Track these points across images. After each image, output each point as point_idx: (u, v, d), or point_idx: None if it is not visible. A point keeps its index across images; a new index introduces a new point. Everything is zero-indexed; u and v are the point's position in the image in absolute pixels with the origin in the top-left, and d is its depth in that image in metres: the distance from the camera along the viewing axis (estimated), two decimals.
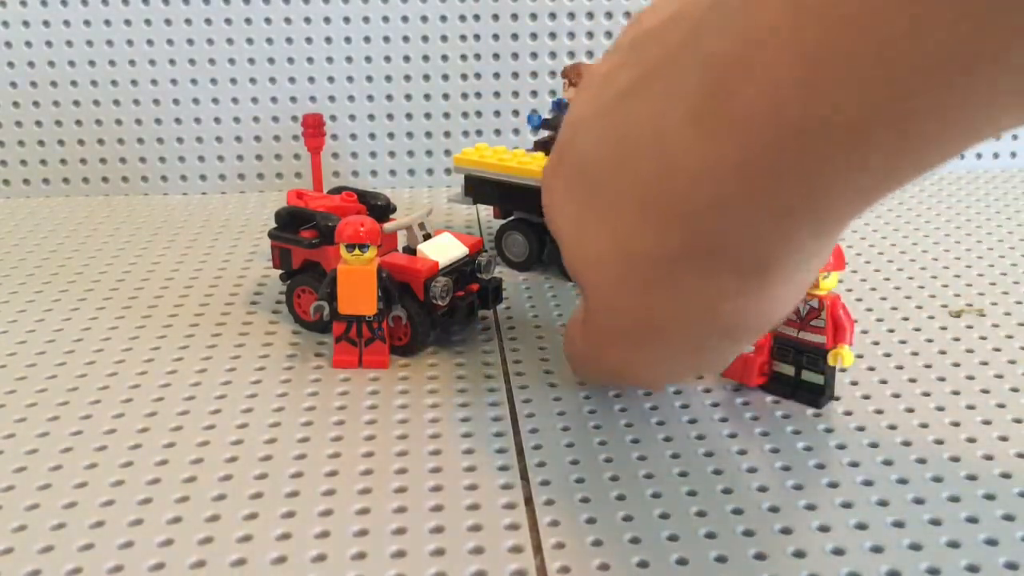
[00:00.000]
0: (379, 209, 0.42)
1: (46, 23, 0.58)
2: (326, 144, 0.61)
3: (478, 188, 0.47)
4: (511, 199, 0.47)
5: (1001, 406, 0.34)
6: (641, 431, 0.33)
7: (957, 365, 0.37)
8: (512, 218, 0.48)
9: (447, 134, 0.61)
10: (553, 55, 0.60)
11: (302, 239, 0.39)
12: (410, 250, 0.39)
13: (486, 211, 0.57)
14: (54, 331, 0.41)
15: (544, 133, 0.48)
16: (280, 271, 0.42)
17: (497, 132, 0.61)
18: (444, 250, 0.39)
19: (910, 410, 0.34)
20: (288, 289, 0.41)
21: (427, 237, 0.39)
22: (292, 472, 0.31)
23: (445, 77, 0.60)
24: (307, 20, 0.59)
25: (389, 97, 0.61)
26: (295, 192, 0.42)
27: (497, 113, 0.61)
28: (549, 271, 0.47)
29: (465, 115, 0.61)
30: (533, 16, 0.60)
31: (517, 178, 0.46)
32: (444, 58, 0.60)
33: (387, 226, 0.38)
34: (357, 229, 0.36)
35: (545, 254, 0.47)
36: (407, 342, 0.38)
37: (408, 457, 0.31)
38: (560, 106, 0.48)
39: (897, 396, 0.35)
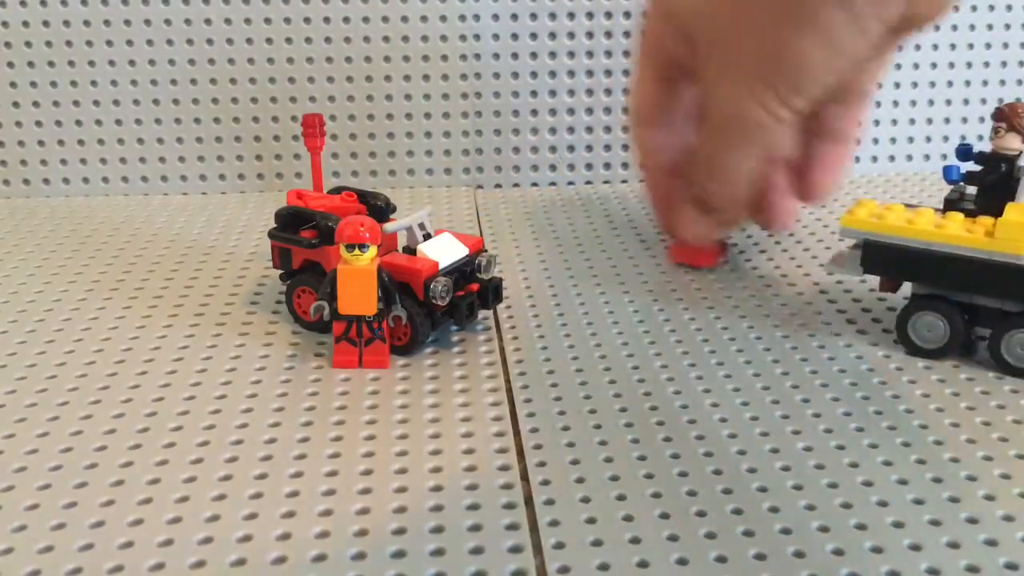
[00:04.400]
0: (379, 209, 0.42)
1: (46, 23, 0.57)
2: (326, 144, 0.61)
3: (878, 256, 0.38)
4: (928, 271, 0.38)
5: (1001, 407, 0.34)
6: (641, 431, 0.33)
7: (956, 366, 0.37)
8: (922, 295, 0.38)
9: (447, 134, 0.61)
10: (553, 55, 0.60)
11: (302, 239, 0.39)
12: (410, 250, 0.39)
13: (489, 212, 0.57)
14: (54, 331, 0.41)
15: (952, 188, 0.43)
16: (280, 271, 0.42)
17: (497, 132, 0.61)
18: (444, 250, 0.39)
19: (909, 411, 0.34)
20: (288, 289, 0.41)
21: (427, 237, 0.39)
22: (292, 472, 0.31)
23: (445, 77, 0.60)
24: (307, 20, 0.59)
25: (389, 97, 0.61)
26: (295, 192, 0.42)
27: (497, 113, 0.61)
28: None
29: (465, 115, 0.61)
30: (533, 16, 0.60)
31: (939, 246, 0.37)
32: (444, 58, 0.60)
33: (387, 226, 0.38)
34: (357, 229, 0.36)
35: (973, 341, 0.38)
36: (407, 342, 0.38)
37: (408, 457, 0.31)
38: (974, 155, 0.41)
39: (896, 397, 0.35)
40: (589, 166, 0.63)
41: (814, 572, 0.26)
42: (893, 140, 0.64)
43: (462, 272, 0.39)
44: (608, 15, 0.60)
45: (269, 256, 0.49)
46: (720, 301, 0.44)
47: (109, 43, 0.58)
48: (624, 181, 0.63)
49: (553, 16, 0.60)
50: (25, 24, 0.57)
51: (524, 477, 0.30)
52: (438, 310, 0.38)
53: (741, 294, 0.44)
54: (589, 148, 0.62)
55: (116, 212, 0.57)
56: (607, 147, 0.62)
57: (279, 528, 0.28)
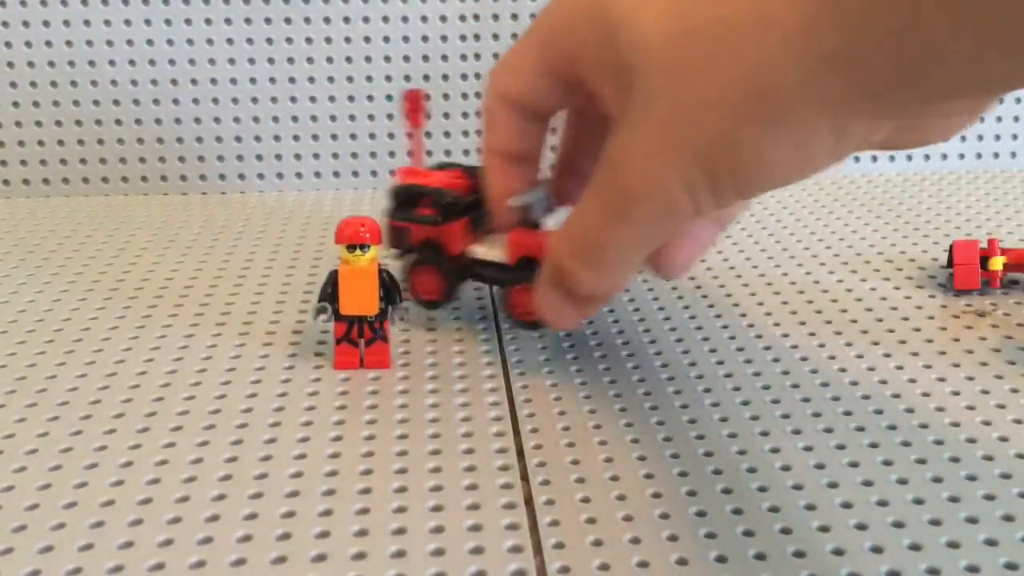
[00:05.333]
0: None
1: (46, 23, 0.57)
2: (326, 144, 0.61)
3: None
4: None
5: (1001, 407, 0.34)
6: (641, 431, 0.33)
7: (957, 366, 0.37)
8: None
9: (447, 134, 0.61)
10: None
11: (425, 216, 0.38)
12: (532, 224, 0.37)
13: None
14: (54, 331, 0.41)
15: None
16: (396, 250, 0.41)
17: None
18: None
19: (910, 411, 0.34)
20: (407, 267, 0.40)
21: (549, 211, 0.38)
22: (292, 472, 0.31)
23: (445, 77, 0.60)
24: (307, 20, 0.59)
25: (389, 97, 0.61)
26: (406, 170, 0.41)
27: None
28: None
29: (465, 115, 0.61)
30: (533, 16, 0.60)
31: None
32: (444, 58, 0.60)
33: (512, 200, 0.37)
34: (358, 229, 0.36)
35: None
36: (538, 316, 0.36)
37: (408, 457, 0.31)
38: None
39: (897, 396, 0.35)
40: None
41: (814, 572, 0.26)
42: None
43: None
44: None
45: (270, 256, 0.49)
46: (720, 300, 0.44)
47: (109, 43, 0.58)
48: None
49: None
50: (25, 24, 0.57)
51: (524, 477, 0.30)
52: None
53: (742, 292, 0.44)
54: None
55: (116, 212, 0.57)
56: None
57: (279, 528, 0.28)
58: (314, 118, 0.60)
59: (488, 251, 0.39)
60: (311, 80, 0.60)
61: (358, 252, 0.36)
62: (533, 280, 0.35)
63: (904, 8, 0.21)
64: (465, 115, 0.61)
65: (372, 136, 0.61)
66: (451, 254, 0.39)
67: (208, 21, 0.58)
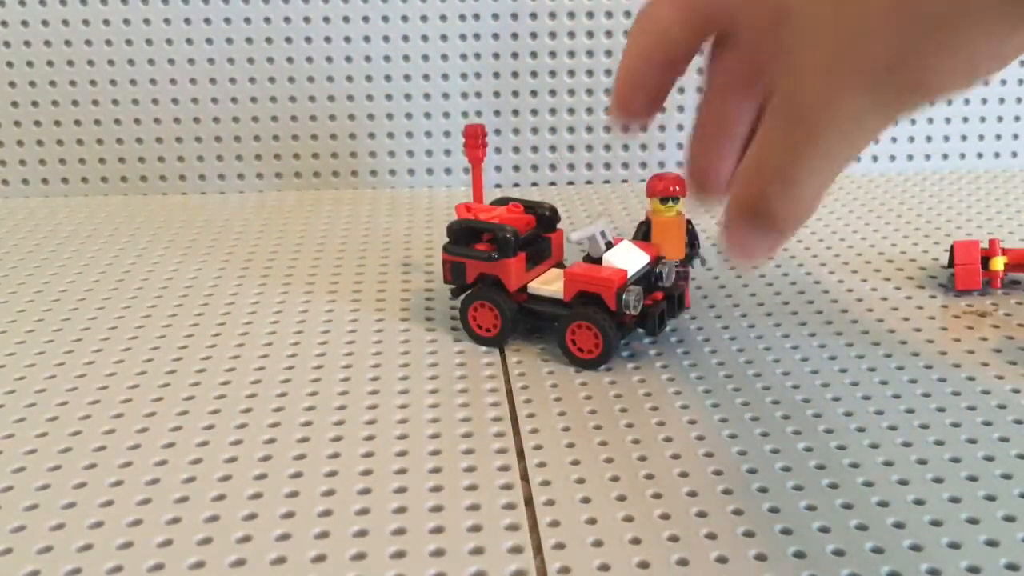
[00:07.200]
0: (547, 219, 0.41)
1: (45, 23, 0.57)
2: (325, 143, 0.61)
3: None
4: None
5: (1002, 407, 0.34)
6: (641, 431, 0.33)
7: (958, 366, 0.37)
8: None
9: (447, 134, 0.61)
10: (553, 55, 0.60)
11: (481, 252, 0.38)
12: (592, 260, 0.38)
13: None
14: (53, 331, 0.41)
15: None
16: (451, 286, 0.40)
17: (497, 132, 0.61)
18: (629, 258, 0.38)
19: (910, 411, 0.34)
20: (463, 304, 0.39)
21: (609, 246, 0.38)
22: (292, 472, 0.30)
23: (445, 77, 0.60)
24: (306, 20, 0.59)
25: (389, 97, 0.60)
26: (464, 206, 0.41)
27: (497, 113, 0.61)
28: None
29: (465, 115, 0.61)
30: (533, 16, 0.60)
31: None
32: (444, 58, 0.60)
33: (572, 235, 0.38)
34: (669, 184, 0.39)
35: None
36: (598, 355, 0.37)
37: (408, 457, 0.31)
38: None
39: (897, 397, 0.35)
40: (589, 166, 0.63)
41: (815, 573, 0.26)
42: (894, 139, 0.64)
43: (647, 280, 0.38)
44: (608, 15, 0.60)
45: (270, 254, 0.49)
46: (720, 300, 0.44)
47: (108, 43, 0.58)
48: (624, 181, 0.63)
49: (553, 16, 0.60)
50: (24, 23, 0.57)
51: (524, 477, 0.30)
52: (628, 320, 0.37)
53: (742, 293, 0.44)
54: (589, 148, 0.62)
55: (115, 212, 0.57)
56: (607, 147, 0.62)
57: (278, 528, 0.28)
58: (313, 118, 0.60)
59: (544, 286, 0.38)
60: (310, 80, 0.59)
61: (669, 204, 0.39)
62: (589, 317, 0.36)
63: None
64: (465, 115, 0.61)
65: (372, 136, 0.61)
66: (508, 290, 0.38)
67: (207, 21, 0.58)
